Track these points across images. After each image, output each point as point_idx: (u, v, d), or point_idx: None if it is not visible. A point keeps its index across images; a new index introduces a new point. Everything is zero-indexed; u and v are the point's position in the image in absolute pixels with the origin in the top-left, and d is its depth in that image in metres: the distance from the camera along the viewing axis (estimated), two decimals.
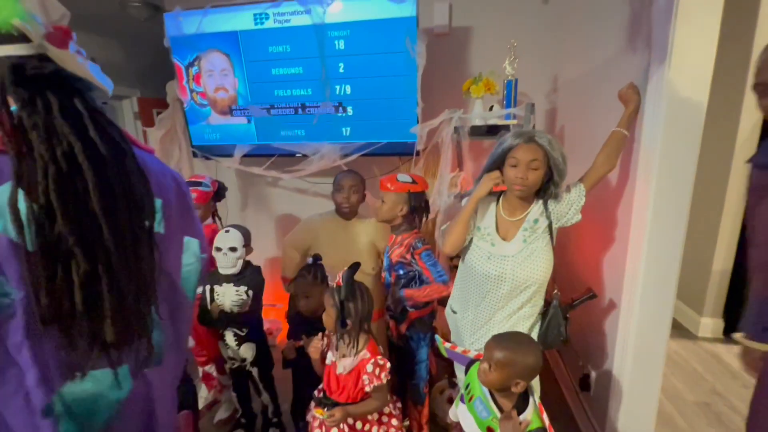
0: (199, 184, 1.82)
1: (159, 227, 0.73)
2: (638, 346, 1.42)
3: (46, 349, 0.62)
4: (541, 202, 1.30)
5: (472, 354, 1.27)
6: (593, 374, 1.73)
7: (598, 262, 1.68)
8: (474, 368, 1.13)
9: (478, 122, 1.96)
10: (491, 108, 1.96)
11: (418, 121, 2.05)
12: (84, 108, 0.62)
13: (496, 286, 1.29)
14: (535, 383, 1.36)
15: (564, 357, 2.18)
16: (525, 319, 1.32)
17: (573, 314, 1.42)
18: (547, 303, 1.36)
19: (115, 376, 0.67)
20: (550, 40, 2.18)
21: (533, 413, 1.03)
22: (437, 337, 1.41)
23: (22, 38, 0.58)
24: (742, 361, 1.08)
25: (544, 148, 1.20)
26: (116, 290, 0.62)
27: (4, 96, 0.57)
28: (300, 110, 2.20)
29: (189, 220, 0.85)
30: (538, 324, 1.36)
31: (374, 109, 2.09)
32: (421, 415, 1.65)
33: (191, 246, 0.84)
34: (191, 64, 2.27)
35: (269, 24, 2.08)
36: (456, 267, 2.23)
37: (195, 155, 2.50)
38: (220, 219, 1.97)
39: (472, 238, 1.37)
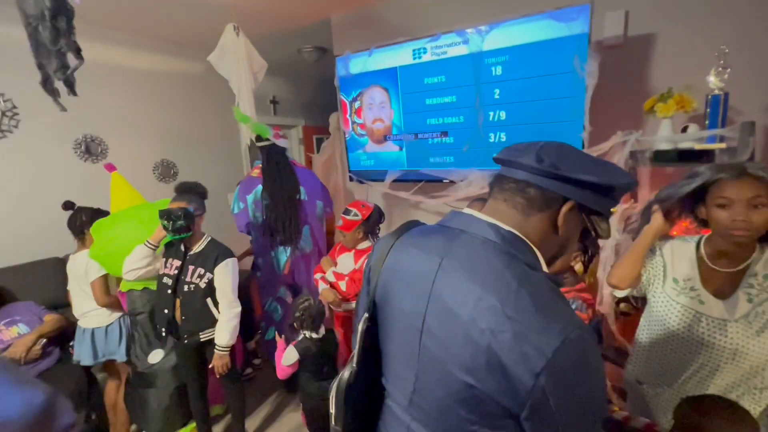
0: (349, 212, 1.92)
1: (304, 197, 2.33)
2: None
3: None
4: (767, 251, 1.01)
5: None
6: None
7: None
8: None
9: (664, 146, 1.65)
10: (684, 129, 1.63)
11: (583, 146, 1.85)
12: (282, 158, 2.27)
13: (714, 359, 1.03)
14: None
15: None
16: (755, 404, 1.02)
17: None
18: None
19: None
20: None
21: None
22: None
23: (267, 140, 2.27)
24: None
25: (765, 179, 0.92)
26: (288, 222, 2.25)
27: (264, 158, 2.25)
28: (447, 136, 2.24)
29: (322, 195, 2.45)
30: None
31: (531, 134, 1.97)
32: None
33: (319, 204, 2.42)
34: (355, 99, 2.54)
35: (426, 57, 2.18)
36: (624, 314, 1.93)
37: (351, 179, 2.78)
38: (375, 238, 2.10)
39: (659, 291, 1.15)
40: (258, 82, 2.53)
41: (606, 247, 1.86)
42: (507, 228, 0.62)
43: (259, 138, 2.25)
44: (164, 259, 1.85)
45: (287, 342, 1.80)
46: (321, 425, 1.77)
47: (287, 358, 1.72)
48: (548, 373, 0.51)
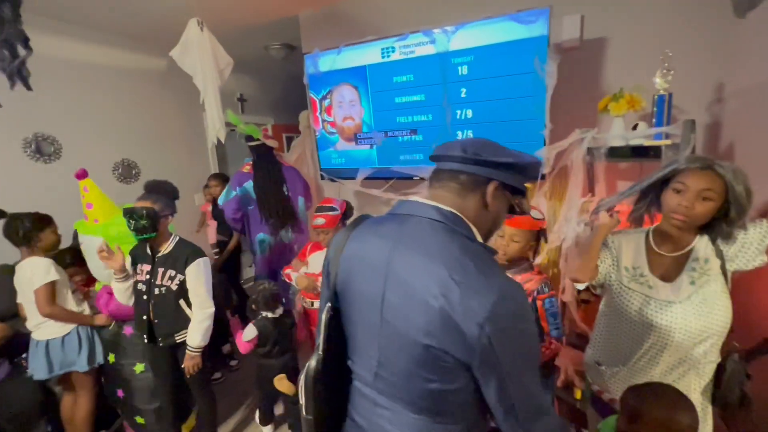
0: (329, 209, 1.98)
1: (287, 193, 2.50)
2: None
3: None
4: (707, 237, 1.11)
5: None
6: None
7: None
8: (609, 423, 1.00)
9: (617, 143, 1.76)
10: (635, 127, 1.75)
11: (545, 143, 1.94)
12: (272, 157, 2.48)
13: (662, 338, 1.11)
14: None
15: (735, 430, 1.78)
16: (699, 379, 1.12)
17: (752, 375, 1.16)
18: (723, 356, 1.14)
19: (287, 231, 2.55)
20: (717, 40, 1.85)
21: None
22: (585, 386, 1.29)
23: (257, 140, 2.47)
24: None
25: (725, 178, 1.01)
26: (280, 212, 2.45)
27: (255, 156, 2.49)
28: (416, 134, 2.28)
29: (303, 192, 2.64)
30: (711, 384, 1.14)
31: (497, 132, 2.05)
32: None
33: (300, 200, 2.60)
34: (324, 98, 2.53)
35: (395, 56, 2.21)
36: (585, 301, 2.05)
37: (322, 177, 2.77)
38: None
39: (614, 279, 1.23)
40: (224, 79, 2.47)
41: (567, 238, 1.96)
42: (447, 208, 0.73)
43: (249, 138, 2.48)
44: (134, 266, 1.80)
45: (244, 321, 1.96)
46: (269, 392, 1.99)
47: (247, 334, 1.92)
48: (490, 322, 0.62)
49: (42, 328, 1.85)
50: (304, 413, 0.80)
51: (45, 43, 2.54)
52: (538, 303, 1.39)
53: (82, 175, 1.93)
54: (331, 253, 0.85)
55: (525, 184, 0.79)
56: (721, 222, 1.07)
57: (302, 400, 0.80)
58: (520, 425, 0.69)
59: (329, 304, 0.81)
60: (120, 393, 2.03)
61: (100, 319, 1.96)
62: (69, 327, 1.90)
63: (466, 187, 0.74)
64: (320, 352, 0.79)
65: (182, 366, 1.77)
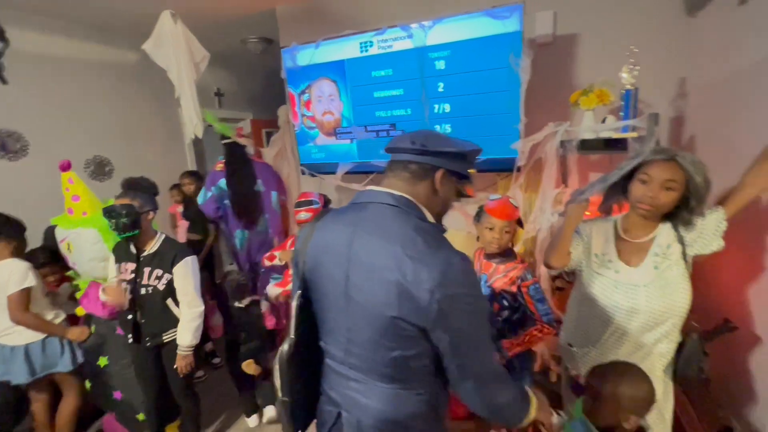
0: (310, 203, 1.99)
1: (261, 188, 2.54)
2: None
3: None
4: (669, 224, 1.18)
5: None
6: (737, 426, 1.48)
7: (742, 292, 1.44)
8: (578, 404, 1.07)
9: (588, 135, 1.83)
10: (604, 120, 1.82)
11: (520, 137, 2.00)
12: (242, 154, 2.51)
13: (628, 319, 1.18)
14: None
15: (698, 405, 1.89)
16: (661, 357, 1.19)
17: (710, 353, 1.24)
18: (683, 335, 1.22)
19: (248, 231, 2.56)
20: (678, 39, 1.94)
21: None
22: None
23: (229, 138, 2.51)
24: None
25: (686, 169, 1.07)
26: (250, 209, 2.49)
27: (227, 154, 2.51)
28: (395, 129, 2.30)
29: (276, 186, 2.64)
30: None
31: (474, 126, 2.09)
32: None
33: (274, 195, 2.59)
34: (303, 92, 2.52)
35: (373, 51, 2.22)
36: (559, 288, 2.12)
37: (303, 172, 2.76)
38: None
39: (585, 265, 1.29)
40: (200, 73, 2.42)
41: (542, 229, 2.03)
42: (399, 194, 0.82)
43: (223, 136, 2.51)
44: (117, 264, 1.76)
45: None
46: (239, 376, 2.11)
47: (215, 320, 2.18)
48: (439, 289, 0.70)
49: (13, 334, 1.78)
50: (280, 395, 0.86)
51: (9, 35, 2.43)
52: (523, 290, 1.42)
53: (66, 167, 1.87)
54: (298, 245, 0.92)
55: (468, 170, 0.88)
56: (682, 210, 1.13)
57: (277, 383, 0.85)
58: (476, 390, 0.77)
59: (299, 292, 0.88)
60: (118, 395, 1.97)
61: (73, 333, 1.88)
62: None
63: (417, 175, 0.82)
64: (292, 336, 0.86)
65: (174, 366, 1.75)
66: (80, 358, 1.93)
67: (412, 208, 0.81)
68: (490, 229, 1.44)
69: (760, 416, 1.33)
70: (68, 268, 2.01)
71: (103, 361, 1.95)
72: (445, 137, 0.85)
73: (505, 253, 1.49)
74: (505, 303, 1.47)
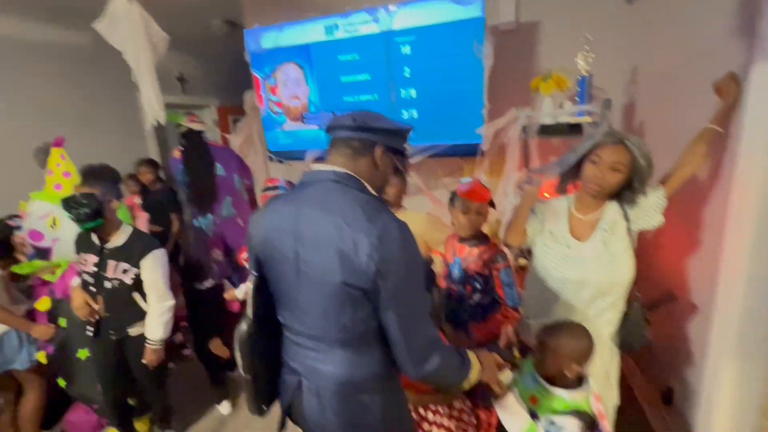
0: (276, 188, 1.97)
1: (221, 172, 2.16)
2: (737, 357, 1.31)
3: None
4: (616, 202, 1.26)
5: None
6: (677, 387, 1.61)
7: (681, 264, 1.57)
8: (528, 362, 1.16)
9: (547, 121, 1.91)
10: (561, 105, 1.90)
11: (484, 122, 2.05)
12: (198, 140, 2.11)
13: (577, 290, 1.26)
14: (612, 394, 1.32)
15: (644, 369, 2.05)
16: (608, 325, 1.28)
17: (654, 321, 1.35)
18: (627, 304, 1.31)
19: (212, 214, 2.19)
20: (629, 29, 2.04)
21: (583, 399, 1.03)
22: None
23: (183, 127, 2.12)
24: None
25: (632, 152, 1.15)
26: (206, 193, 2.11)
27: (183, 141, 2.13)
28: None
29: (239, 170, 2.27)
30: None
31: (439, 111, 2.12)
32: (490, 417, 1.65)
33: (236, 177, 2.23)
34: (268, 76, 2.46)
35: (339, 34, 2.20)
36: (522, 268, 2.22)
37: (270, 159, 2.71)
38: None
39: (539, 242, 1.36)
40: (159, 55, 2.31)
41: (506, 212, 2.10)
42: (341, 170, 0.86)
43: (178, 125, 2.42)
44: (77, 255, 1.68)
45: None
46: (212, 362, 2.19)
47: (178, 301, 2.06)
48: (376, 252, 0.76)
49: None
50: (243, 373, 0.88)
51: None
52: (494, 272, 1.44)
53: (60, 142, 1.93)
54: (250, 229, 0.96)
55: (405, 146, 0.96)
56: (627, 189, 1.21)
57: (239, 362, 0.88)
58: (415, 354, 0.82)
59: (255, 274, 0.91)
60: (100, 387, 1.90)
61: (38, 331, 1.78)
62: (6, 326, 1.76)
63: (358, 151, 0.87)
64: (249, 315, 0.89)
65: (143, 360, 1.71)
66: (35, 356, 1.85)
67: (353, 181, 0.86)
68: (464, 212, 1.45)
69: (697, 378, 1.46)
70: (16, 261, 1.91)
71: (83, 354, 1.88)
72: (383, 116, 0.91)
73: (478, 236, 1.51)
74: (477, 286, 1.48)
